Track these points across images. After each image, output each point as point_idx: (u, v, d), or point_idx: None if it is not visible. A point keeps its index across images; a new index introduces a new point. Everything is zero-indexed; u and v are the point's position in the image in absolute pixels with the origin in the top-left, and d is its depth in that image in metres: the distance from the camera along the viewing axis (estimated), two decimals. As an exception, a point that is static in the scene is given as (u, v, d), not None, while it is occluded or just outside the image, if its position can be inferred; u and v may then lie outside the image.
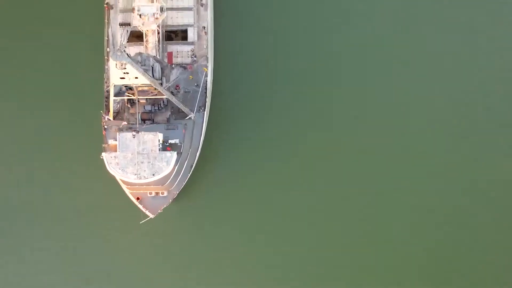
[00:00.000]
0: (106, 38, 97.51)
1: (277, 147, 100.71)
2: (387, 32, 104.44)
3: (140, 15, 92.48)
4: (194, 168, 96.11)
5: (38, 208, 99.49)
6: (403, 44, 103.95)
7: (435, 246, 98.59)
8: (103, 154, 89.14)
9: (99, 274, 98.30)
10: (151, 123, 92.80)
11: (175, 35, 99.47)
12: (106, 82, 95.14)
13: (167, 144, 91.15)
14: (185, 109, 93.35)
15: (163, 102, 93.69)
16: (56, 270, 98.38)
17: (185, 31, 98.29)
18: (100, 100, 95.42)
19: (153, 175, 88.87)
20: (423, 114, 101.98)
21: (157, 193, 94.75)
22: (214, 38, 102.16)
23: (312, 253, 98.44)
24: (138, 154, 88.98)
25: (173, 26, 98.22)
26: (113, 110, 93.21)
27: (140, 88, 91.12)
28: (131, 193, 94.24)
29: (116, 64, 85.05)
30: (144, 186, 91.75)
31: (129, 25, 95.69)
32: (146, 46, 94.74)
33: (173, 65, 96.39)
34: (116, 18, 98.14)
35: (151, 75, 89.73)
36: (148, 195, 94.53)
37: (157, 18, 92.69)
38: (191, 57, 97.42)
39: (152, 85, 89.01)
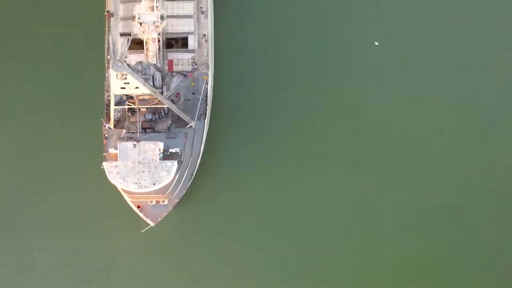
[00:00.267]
0: (106, 45, 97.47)
1: (277, 155, 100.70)
2: (388, 32, 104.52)
3: (140, 23, 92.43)
4: (194, 176, 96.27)
5: (38, 209, 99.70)
6: (403, 44, 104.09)
7: (435, 246, 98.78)
8: (104, 163, 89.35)
9: (99, 274, 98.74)
10: (152, 132, 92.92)
11: (175, 42, 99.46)
12: (106, 90, 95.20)
13: (168, 153, 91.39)
14: (185, 117, 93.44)
15: (164, 110, 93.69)
16: (56, 270, 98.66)
17: (186, 38, 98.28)
18: (100, 106, 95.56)
19: (154, 184, 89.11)
20: (423, 114, 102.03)
21: (157, 202, 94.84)
22: (214, 45, 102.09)
23: (312, 259, 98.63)
24: (139, 163, 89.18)
25: (173, 33, 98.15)
26: (114, 118, 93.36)
27: (140, 97, 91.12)
28: (131, 201, 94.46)
29: (117, 74, 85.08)
30: (145, 195, 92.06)
31: (130, 35, 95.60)
32: (146, 54, 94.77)
33: (173, 73, 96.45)
34: (116, 25, 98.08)
35: (151, 84, 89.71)
36: (149, 203, 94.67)
37: (157, 26, 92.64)
38: (192, 64, 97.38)
39: (153, 94, 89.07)
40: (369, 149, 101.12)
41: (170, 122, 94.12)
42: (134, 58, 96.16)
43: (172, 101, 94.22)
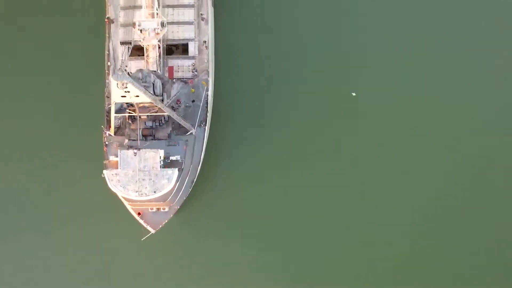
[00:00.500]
0: (107, 52, 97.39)
1: (277, 162, 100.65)
2: (388, 32, 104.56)
3: (141, 30, 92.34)
4: (195, 183, 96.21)
5: (39, 211, 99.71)
6: (403, 44, 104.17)
7: (435, 246, 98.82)
8: (105, 171, 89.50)
9: (100, 282, 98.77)
10: (152, 139, 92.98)
11: (175, 48, 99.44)
12: (107, 97, 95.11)
13: (168, 161, 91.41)
14: (186, 124, 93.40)
15: (164, 118, 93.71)
16: (56, 270, 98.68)
17: (186, 45, 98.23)
18: (100, 112, 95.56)
19: (155, 192, 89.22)
20: (423, 114, 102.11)
21: (158, 209, 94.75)
22: (215, 52, 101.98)
23: (313, 263, 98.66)
24: (140, 171, 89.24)
25: (174, 40, 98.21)
26: (114, 125, 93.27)
27: (141, 105, 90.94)
28: (132, 208, 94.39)
29: (117, 83, 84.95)
30: (146, 202, 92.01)
31: (130, 43, 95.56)
32: (147, 60, 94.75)
33: (174, 80, 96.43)
34: (117, 32, 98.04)
35: (152, 91, 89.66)
36: (149, 210, 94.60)
37: (158, 33, 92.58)
38: (192, 71, 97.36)
39: (154, 103, 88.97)
40: (369, 149, 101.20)
41: (171, 129, 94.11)
42: (134, 64, 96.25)
43: (173, 108, 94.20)
